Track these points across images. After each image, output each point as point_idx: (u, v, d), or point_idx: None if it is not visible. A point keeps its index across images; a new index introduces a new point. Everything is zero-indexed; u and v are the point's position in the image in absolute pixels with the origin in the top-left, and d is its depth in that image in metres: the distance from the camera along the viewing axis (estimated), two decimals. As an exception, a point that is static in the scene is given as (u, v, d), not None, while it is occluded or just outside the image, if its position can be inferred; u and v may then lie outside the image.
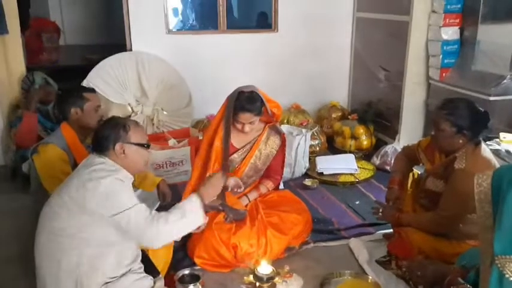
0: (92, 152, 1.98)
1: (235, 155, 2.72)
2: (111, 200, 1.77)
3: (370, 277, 2.38)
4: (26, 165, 3.29)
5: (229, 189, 2.58)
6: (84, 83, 3.94)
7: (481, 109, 2.22)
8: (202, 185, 2.11)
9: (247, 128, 2.61)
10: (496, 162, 2.21)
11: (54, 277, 1.79)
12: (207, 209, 2.63)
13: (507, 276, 1.35)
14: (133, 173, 1.99)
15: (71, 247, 1.77)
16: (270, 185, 2.85)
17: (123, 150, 1.92)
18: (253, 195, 2.80)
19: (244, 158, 2.74)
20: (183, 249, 2.64)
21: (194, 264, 2.50)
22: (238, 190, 2.61)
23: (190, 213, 1.95)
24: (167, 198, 2.75)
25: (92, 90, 2.71)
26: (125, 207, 1.78)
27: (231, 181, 2.58)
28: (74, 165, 2.42)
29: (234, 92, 2.63)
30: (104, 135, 1.93)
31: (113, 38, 6.46)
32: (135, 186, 2.73)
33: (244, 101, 2.57)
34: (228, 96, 2.66)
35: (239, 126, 2.61)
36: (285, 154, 2.91)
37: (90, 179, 1.80)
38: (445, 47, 3.70)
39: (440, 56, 3.73)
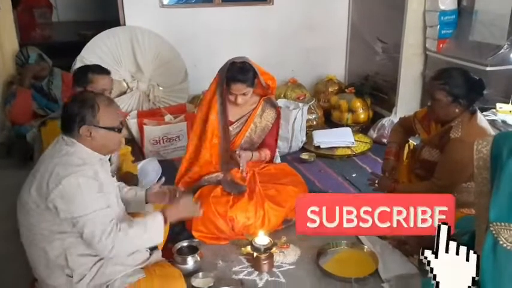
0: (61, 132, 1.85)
1: (230, 128, 2.71)
2: (67, 204, 1.67)
3: (366, 247, 2.42)
4: (30, 135, 3.29)
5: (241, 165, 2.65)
6: (78, 59, 3.90)
7: (475, 77, 2.22)
8: (170, 206, 1.99)
9: (240, 99, 2.59)
10: (492, 131, 2.21)
11: (44, 264, 1.78)
12: (205, 183, 2.66)
13: (501, 243, 1.37)
14: (106, 153, 1.87)
15: (53, 238, 1.74)
16: (267, 152, 2.84)
17: (90, 133, 1.77)
18: (256, 156, 2.77)
19: (239, 132, 2.74)
20: (181, 222, 2.67)
21: (192, 236, 2.52)
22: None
23: (151, 230, 1.82)
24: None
25: (102, 72, 2.60)
26: (79, 213, 1.68)
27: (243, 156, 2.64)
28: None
29: (226, 63, 2.61)
30: (70, 115, 1.77)
31: (106, 14, 6.35)
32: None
33: (236, 72, 2.55)
34: (220, 69, 2.63)
35: (232, 98, 2.60)
36: (279, 127, 2.90)
37: (51, 174, 1.68)
38: (442, 18, 3.65)
39: (438, 27, 3.68)
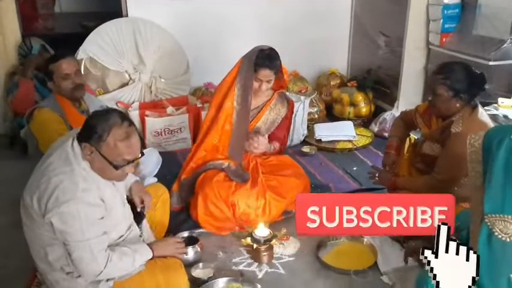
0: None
1: None
2: (63, 226, 1.65)
3: (366, 240, 2.43)
4: (24, 131, 3.31)
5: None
6: (81, 50, 3.90)
7: (476, 71, 2.21)
8: (158, 242, 2.01)
9: (264, 86, 2.62)
10: (493, 126, 2.21)
11: (45, 262, 1.78)
12: (211, 167, 2.67)
13: (496, 234, 1.39)
14: (104, 178, 1.76)
15: (53, 242, 1.73)
16: (276, 144, 2.85)
17: (91, 153, 1.70)
18: (270, 148, 2.80)
19: (250, 122, 2.75)
20: (184, 210, 2.69)
21: (195, 226, 2.55)
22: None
23: (138, 263, 1.83)
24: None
25: (57, 59, 2.51)
26: (73, 239, 1.66)
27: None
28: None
29: (253, 50, 2.63)
30: (85, 126, 1.73)
31: (108, 5, 6.33)
32: None
33: (265, 58, 2.57)
34: (245, 55, 2.64)
35: (257, 84, 2.61)
36: (291, 121, 2.92)
37: (51, 194, 1.63)
38: (445, 11, 3.63)
39: (441, 21, 3.67)
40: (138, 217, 2.03)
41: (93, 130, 1.69)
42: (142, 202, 2.06)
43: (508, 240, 1.38)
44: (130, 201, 2.03)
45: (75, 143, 1.73)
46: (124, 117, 1.75)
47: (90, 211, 1.68)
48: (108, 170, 1.73)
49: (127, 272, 1.81)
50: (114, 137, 1.69)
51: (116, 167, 1.72)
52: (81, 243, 1.67)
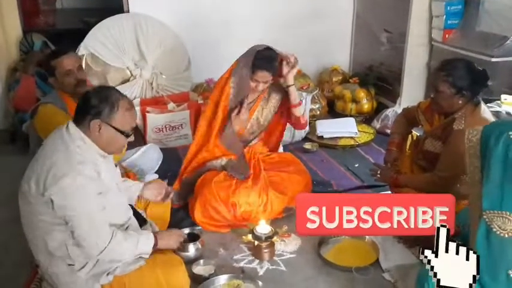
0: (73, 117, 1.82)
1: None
2: (63, 201, 1.67)
3: (367, 237, 2.42)
4: (27, 125, 3.31)
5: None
6: (82, 46, 3.90)
7: (479, 68, 2.20)
8: (162, 232, 2.04)
9: (261, 87, 2.60)
10: (493, 122, 2.20)
11: (45, 254, 1.78)
12: (210, 167, 2.66)
13: (494, 230, 1.38)
14: (107, 152, 1.85)
15: (52, 229, 1.73)
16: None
17: (99, 129, 1.76)
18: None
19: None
20: (184, 208, 2.68)
21: (195, 223, 2.54)
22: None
23: (140, 250, 1.83)
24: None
25: (60, 54, 2.49)
26: (73, 213, 1.68)
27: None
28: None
29: (251, 50, 2.59)
30: (88, 105, 1.76)
31: (109, 1, 6.31)
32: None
33: (264, 60, 2.54)
34: (243, 55, 2.61)
35: (253, 84, 2.59)
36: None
37: (48, 172, 1.67)
38: (448, 8, 3.61)
39: (444, 17, 3.65)
40: (143, 221, 2.06)
41: (101, 107, 1.76)
42: (165, 194, 2.18)
43: (506, 236, 1.37)
44: (134, 208, 2.07)
45: (70, 124, 1.78)
46: (118, 90, 1.86)
47: (88, 184, 1.70)
48: (117, 140, 1.81)
49: (130, 255, 1.81)
50: (123, 108, 1.79)
51: (128, 135, 1.83)
52: (83, 216, 1.69)
